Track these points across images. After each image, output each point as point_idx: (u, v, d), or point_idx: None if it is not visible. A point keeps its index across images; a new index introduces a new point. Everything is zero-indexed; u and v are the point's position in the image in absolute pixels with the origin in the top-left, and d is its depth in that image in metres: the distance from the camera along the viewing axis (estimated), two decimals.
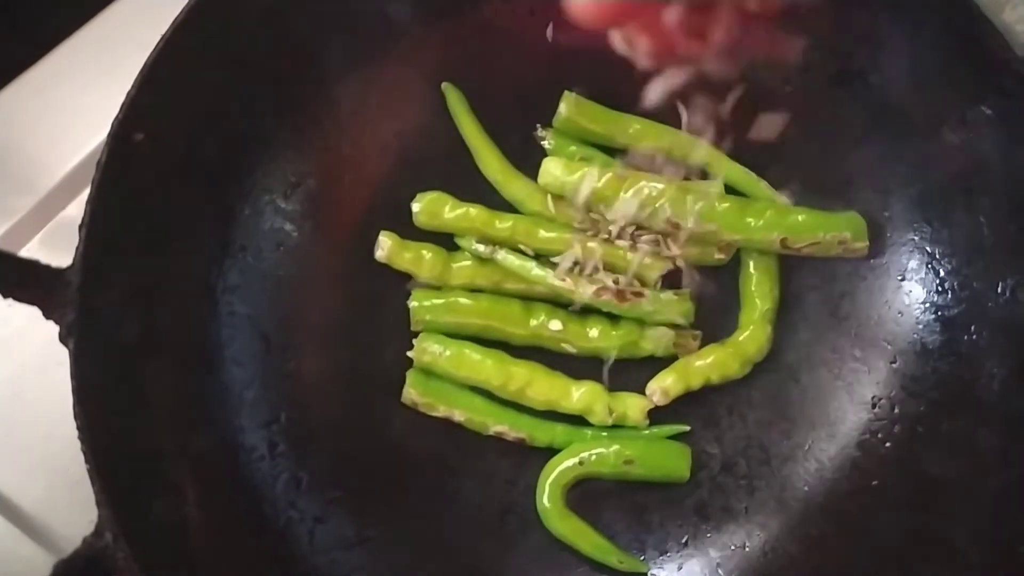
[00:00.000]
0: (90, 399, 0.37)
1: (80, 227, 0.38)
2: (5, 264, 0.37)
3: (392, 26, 0.49)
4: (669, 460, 0.49)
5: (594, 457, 0.48)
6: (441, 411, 0.49)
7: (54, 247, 0.56)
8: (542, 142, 0.52)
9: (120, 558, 0.36)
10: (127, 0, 0.62)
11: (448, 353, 0.49)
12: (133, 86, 0.39)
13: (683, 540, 0.48)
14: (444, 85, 0.51)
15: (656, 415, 0.50)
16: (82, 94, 0.59)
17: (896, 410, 0.48)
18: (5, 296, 0.37)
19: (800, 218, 0.49)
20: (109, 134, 0.39)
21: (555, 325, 0.50)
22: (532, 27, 0.50)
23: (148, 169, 0.41)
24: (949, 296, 0.47)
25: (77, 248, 0.38)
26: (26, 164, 0.58)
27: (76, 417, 0.37)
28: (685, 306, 0.50)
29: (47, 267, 0.38)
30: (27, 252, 0.56)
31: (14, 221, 0.56)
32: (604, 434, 0.49)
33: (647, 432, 0.49)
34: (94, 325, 0.38)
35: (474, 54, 0.50)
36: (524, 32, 0.50)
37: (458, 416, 0.49)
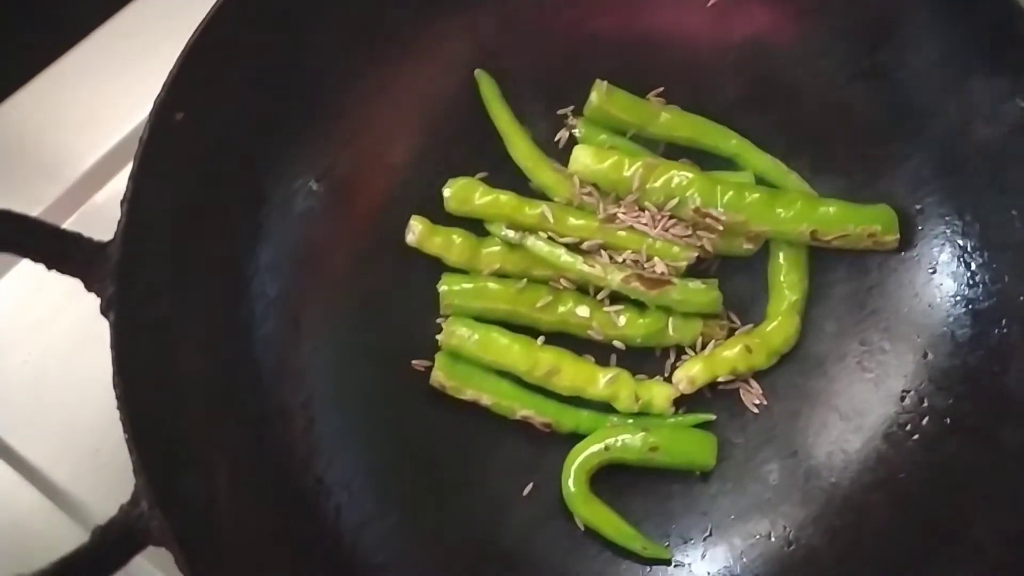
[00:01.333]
0: (128, 370, 0.38)
1: (122, 202, 0.39)
2: (50, 236, 0.38)
3: (422, 14, 0.50)
4: (694, 448, 0.49)
5: (620, 443, 0.48)
6: (468, 395, 0.49)
7: (84, 232, 0.58)
8: (572, 131, 0.52)
9: (155, 526, 0.37)
10: None
11: (476, 337, 0.49)
12: (175, 66, 0.40)
13: (707, 528, 0.48)
14: (476, 72, 0.51)
15: (682, 403, 0.50)
16: (109, 85, 0.60)
17: (924, 403, 0.48)
18: (49, 268, 0.38)
19: (830, 210, 0.49)
20: (151, 112, 0.40)
21: (583, 312, 0.50)
22: (562, 15, 0.50)
23: (188, 149, 0.42)
24: (980, 289, 0.47)
25: (119, 222, 0.39)
26: (53, 154, 0.60)
27: (115, 387, 0.38)
28: (713, 295, 0.50)
29: (90, 240, 0.39)
30: (91, 206, 0.58)
31: (41, 210, 0.58)
32: (630, 421, 0.49)
33: (672, 420, 0.49)
34: (133, 299, 0.39)
35: (503, 42, 0.50)
36: (554, 19, 0.50)
37: (485, 400, 0.49)
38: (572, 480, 0.48)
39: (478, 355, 0.49)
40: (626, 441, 0.48)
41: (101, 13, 0.61)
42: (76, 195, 0.57)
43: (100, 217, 0.40)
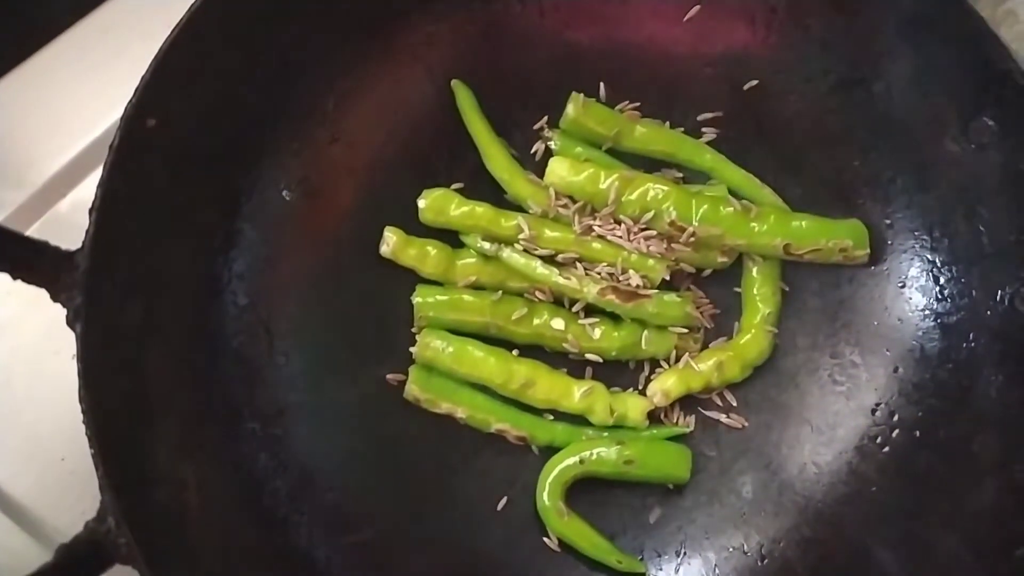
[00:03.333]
0: (96, 383, 0.37)
1: (90, 210, 0.38)
2: (16, 244, 0.37)
3: (401, 21, 0.50)
4: (669, 461, 0.49)
5: (595, 456, 0.48)
6: (443, 408, 0.49)
7: (56, 234, 0.56)
8: (548, 143, 0.52)
9: (122, 543, 0.36)
10: None
11: (450, 349, 0.49)
12: (147, 71, 0.39)
13: (681, 542, 0.48)
14: (453, 82, 0.51)
15: (656, 417, 0.50)
16: (79, 86, 0.59)
17: (895, 416, 0.48)
18: (14, 277, 0.37)
19: (803, 224, 0.49)
20: (122, 118, 0.39)
21: (558, 324, 0.50)
22: (541, 26, 0.50)
23: (159, 155, 0.41)
24: (948, 303, 0.48)
25: (87, 231, 0.38)
26: (21, 156, 0.58)
27: (81, 400, 0.37)
28: (687, 308, 0.50)
29: (56, 249, 0.38)
30: (56, 213, 0.56)
31: (7, 214, 0.56)
32: (604, 434, 0.49)
33: (647, 433, 0.49)
34: (101, 309, 0.38)
35: (481, 52, 0.50)
36: (533, 31, 0.50)
37: (460, 413, 0.49)
38: (547, 494, 0.48)
39: (453, 367, 0.49)
40: (601, 454, 0.48)
41: (70, 15, 0.60)
42: (41, 201, 0.56)
43: (66, 224, 0.39)
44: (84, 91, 0.57)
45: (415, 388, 0.49)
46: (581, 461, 0.48)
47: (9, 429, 0.53)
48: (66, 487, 0.52)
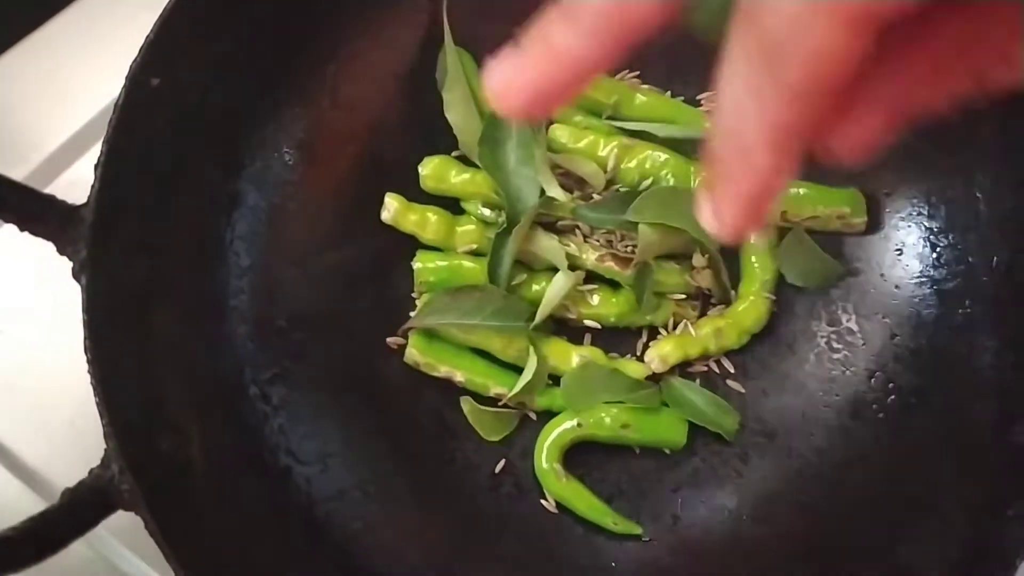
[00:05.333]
0: (100, 334, 0.38)
1: (96, 166, 0.39)
2: (23, 197, 0.38)
3: None
4: (666, 426, 0.49)
5: (592, 420, 0.49)
6: (442, 371, 0.50)
7: None
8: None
9: (125, 490, 0.37)
10: None
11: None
12: (152, 31, 0.40)
13: (678, 505, 0.49)
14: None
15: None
16: (85, 58, 0.60)
17: (891, 383, 0.48)
18: (22, 229, 0.38)
19: (800, 191, 0.50)
20: (127, 77, 0.40)
21: None
22: None
23: (163, 115, 0.41)
24: (945, 270, 0.48)
25: (92, 186, 0.39)
26: (28, 128, 0.59)
27: (87, 351, 0.38)
28: (685, 276, 0.51)
29: (63, 203, 0.39)
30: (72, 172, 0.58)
31: (24, 175, 0.57)
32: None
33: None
34: (106, 263, 0.39)
35: (482, 15, 0.50)
36: None
37: (459, 377, 0.49)
38: (545, 457, 0.48)
39: (452, 332, 0.49)
40: (599, 418, 0.49)
41: None
42: (54, 165, 0.57)
43: (79, 188, 0.40)
44: (91, 62, 0.58)
45: (415, 352, 0.49)
46: (579, 424, 0.49)
47: (17, 392, 0.54)
48: (75, 448, 0.53)
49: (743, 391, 0.51)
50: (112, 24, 0.58)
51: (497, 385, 0.50)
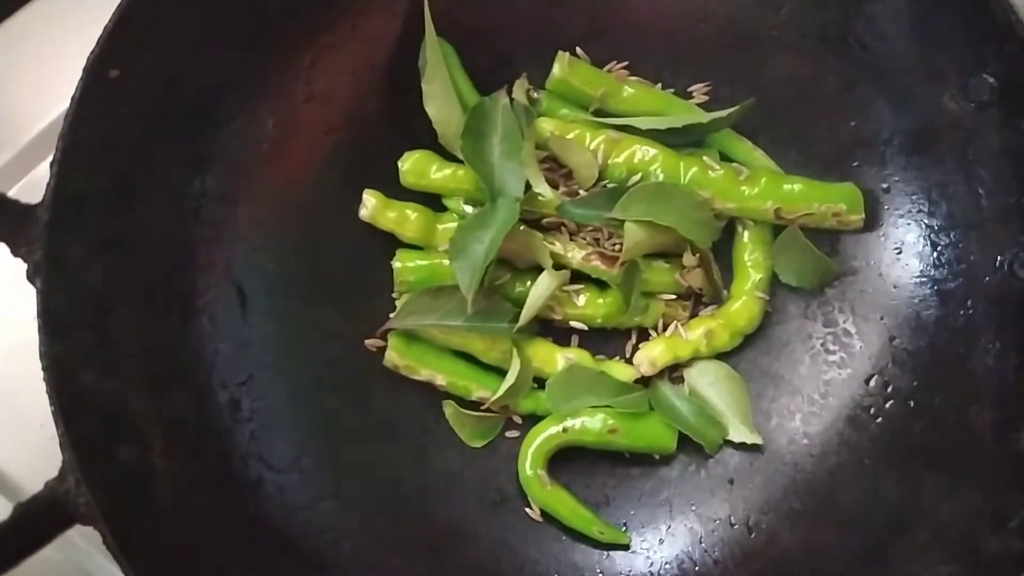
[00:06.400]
0: (57, 339, 0.36)
1: (51, 164, 0.37)
2: None
3: None
4: (655, 431, 0.48)
5: (578, 425, 0.47)
6: (423, 375, 0.48)
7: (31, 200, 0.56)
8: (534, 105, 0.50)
9: (81, 503, 0.35)
10: None
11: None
12: (110, 20, 0.38)
13: (667, 513, 0.47)
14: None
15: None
16: (61, 46, 0.57)
17: (889, 386, 0.47)
18: None
19: (795, 188, 0.48)
20: (84, 69, 0.38)
21: None
22: None
23: (123, 108, 0.40)
24: (946, 269, 0.46)
25: (48, 184, 0.37)
26: (2, 116, 0.57)
27: (42, 357, 0.36)
28: (675, 276, 0.49)
29: (16, 202, 0.37)
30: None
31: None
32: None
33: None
34: (63, 265, 0.37)
35: (463, 7, 0.48)
36: None
37: (440, 380, 0.48)
38: (529, 463, 0.47)
39: (433, 334, 0.48)
40: (585, 423, 0.47)
41: None
42: (26, 160, 0.55)
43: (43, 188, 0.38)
44: (65, 53, 0.56)
45: (394, 355, 0.48)
46: (564, 430, 0.47)
47: None
48: (45, 452, 0.51)
49: None
50: (79, 17, 0.56)
51: (480, 388, 0.48)
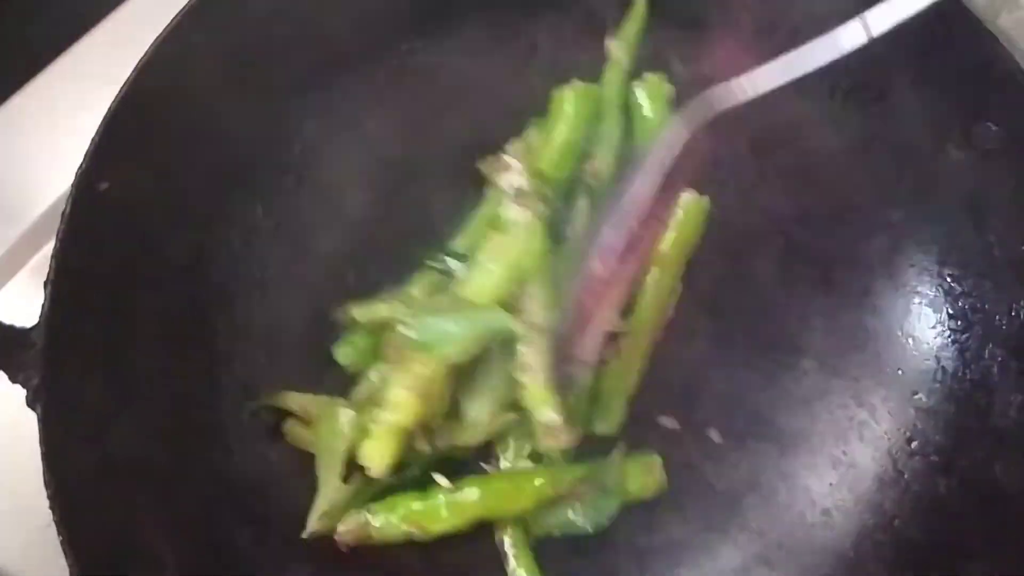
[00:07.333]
0: (61, 466, 0.35)
1: (45, 284, 0.36)
2: None
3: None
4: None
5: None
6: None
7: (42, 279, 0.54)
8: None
9: None
10: (103, 29, 0.59)
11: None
12: (96, 134, 0.37)
13: None
14: None
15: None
16: (67, 121, 0.56)
17: (912, 442, 0.46)
18: None
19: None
20: (72, 185, 0.37)
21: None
22: None
23: (115, 218, 0.39)
24: (961, 320, 0.46)
25: (43, 306, 0.36)
26: (11, 193, 0.56)
27: (47, 486, 0.35)
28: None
29: (10, 327, 0.36)
30: (15, 284, 0.54)
31: (2, 251, 0.54)
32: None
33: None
34: (62, 387, 0.36)
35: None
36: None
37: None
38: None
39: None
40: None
41: (57, 46, 0.56)
42: (36, 237, 0.53)
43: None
44: (71, 128, 0.54)
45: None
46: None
47: None
48: (52, 553, 0.50)
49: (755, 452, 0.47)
50: (90, 92, 0.55)
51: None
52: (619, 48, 0.50)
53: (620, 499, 0.44)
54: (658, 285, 0.47)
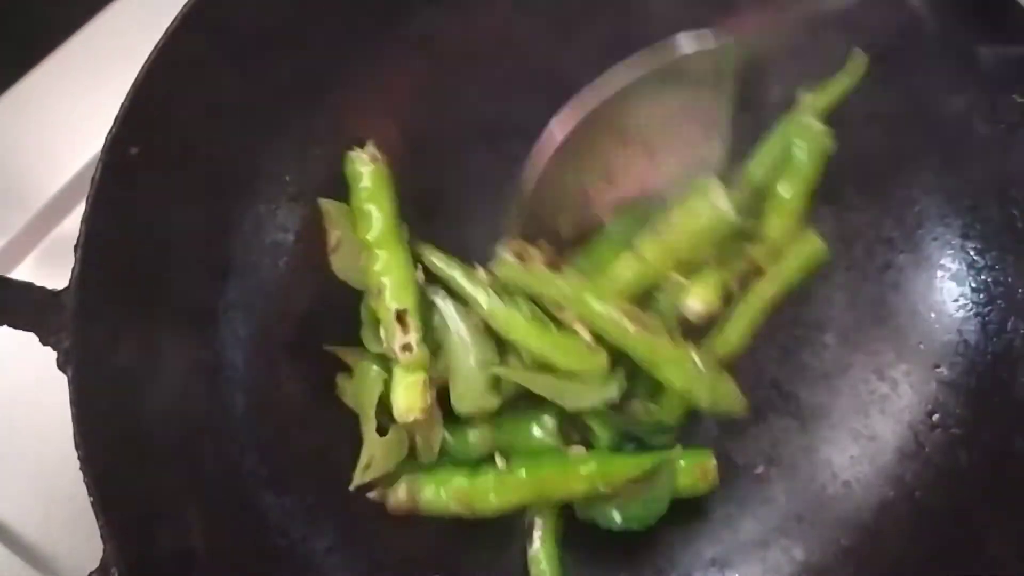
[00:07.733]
0: (92, 428, 0.36)
1: (75, 247, 0.36)
2: None
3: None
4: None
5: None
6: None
7: (51, 265, 0.54)
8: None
9: None
10: (113, 12, 0.60)
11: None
12: (126, 99, 0.37)
13: (711, 559, 0.46)
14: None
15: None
16: (73, 106, 0.57)
17: (933, 415, 0.46)
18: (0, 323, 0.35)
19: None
20: (103, 149, 0.37)
21: None
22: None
23: (144, 184, 0.39)
24: (983, 294, 0.45)
25: (73, 269, 0.36)
26: (18, 180, 0.56)
27: (77, 448, 0.35)
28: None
29: (42, 290, 0.36)
30: (23, 270, 0.55)
31: (8, 239, 0.54)
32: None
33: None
34: (92, 350, 0.36)
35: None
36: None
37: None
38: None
39: None
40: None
41: (62, 32, 0.57)
42: (43, 223, 0.54)
43: (69, 246, 0.37)
44: (77, 113, 0.55)
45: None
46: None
47: (15, 468, 0.51)
48: (76, 525, 0.50)
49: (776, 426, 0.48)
50: (95, 76, 0.55)
51: None
52: (814, 99, 0.47)
53: (670, 500, 0.43)
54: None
